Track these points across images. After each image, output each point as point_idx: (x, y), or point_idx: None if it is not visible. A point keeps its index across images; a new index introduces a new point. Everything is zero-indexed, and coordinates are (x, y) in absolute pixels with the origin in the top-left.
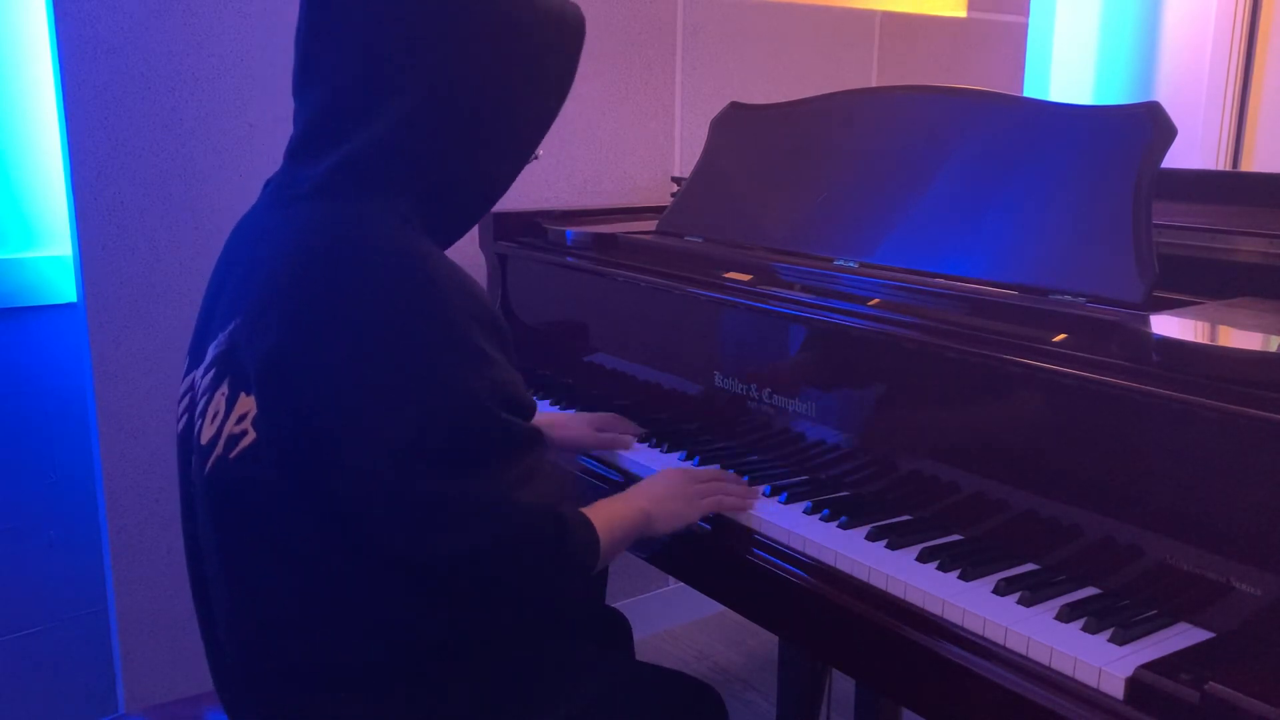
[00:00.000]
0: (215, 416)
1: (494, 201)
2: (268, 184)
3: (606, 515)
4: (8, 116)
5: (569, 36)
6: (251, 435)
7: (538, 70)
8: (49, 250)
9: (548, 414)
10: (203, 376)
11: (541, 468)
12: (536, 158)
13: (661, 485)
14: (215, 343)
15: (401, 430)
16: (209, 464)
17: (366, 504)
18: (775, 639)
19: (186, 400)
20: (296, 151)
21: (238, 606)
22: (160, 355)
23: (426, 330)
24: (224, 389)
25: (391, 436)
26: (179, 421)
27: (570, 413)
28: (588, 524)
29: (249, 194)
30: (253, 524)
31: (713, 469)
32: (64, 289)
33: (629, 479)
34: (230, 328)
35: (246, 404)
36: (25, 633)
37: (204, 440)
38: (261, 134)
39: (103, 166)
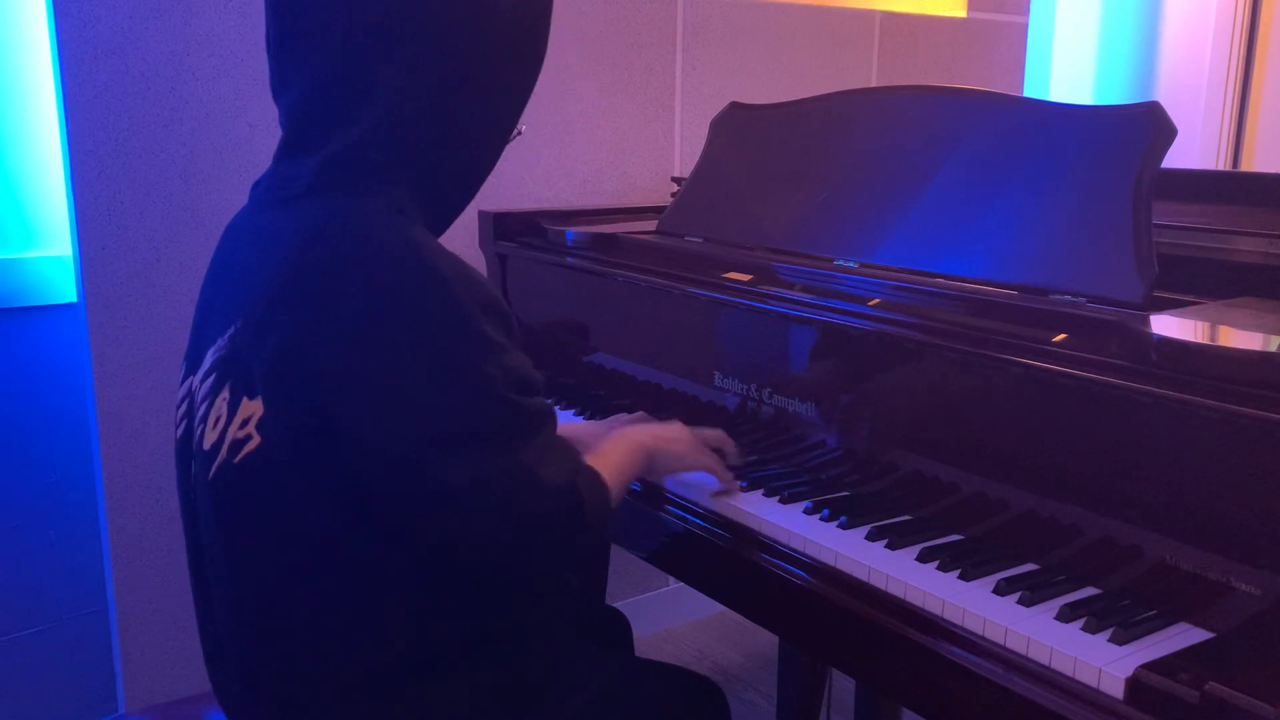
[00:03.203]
0: (218, 422)
1: (481, 181)
2: (255, 185)
3: (612, 462)
4: (8, 116)
5: (539, 7)
6: (256, 440)
7: (512, 47)
8: (49, 250)
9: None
10: (201, 382)
11: (556, 442)
12: (519, 133)
13: (665, 426)
14: (214, 348)
15: (421, 419)
16: (213, 469)
17: (390, 496)
18: (775, 639)
19: (185, 406)
20: (282, 154)
21: (242, 610)
22: (160, 355)
23: (435, 320)
24: (225, 394)
25: (411, 427)
26: (177, 428)
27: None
28: (600, 483)
29: (248, 194)
30: (259, 528)
31: (718, 430)
32: (64, 289)
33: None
34: (230, 332)
35: (250, 408)
36: (25, 633)
37: (206, 446)
38: (261, 134)
39: (103, 166)
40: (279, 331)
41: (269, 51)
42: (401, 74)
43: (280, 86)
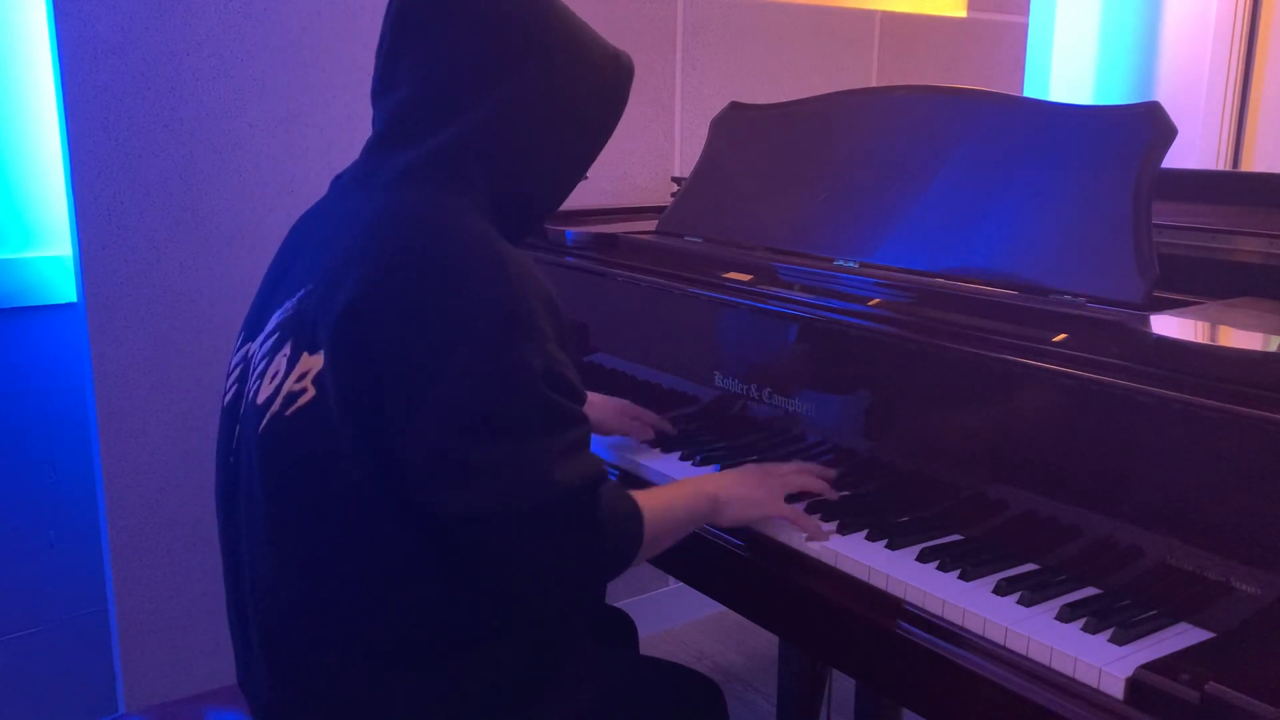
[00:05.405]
0: (275, 376)
1: (550, 211)
2: (338, 179)
3: (663, 499)
4: (8, 116)
5: (624, 78)
6: (311, 393)
7: (598, 100)
8: (49, 250)
9: None
10: (261, 344)
11: (584, 448)
12: (586, 179)
13: (736, 474)
14: (280, 310)
15: (455, 392)
16: (263, 422)
17: (412, 460)
18: (775, 639)
19: (238, 371)
20: (375, 147)
21: (276, 576)
22: (160, 355)
23: (493, 302)
24: (286, 350)
25: (445, 397)
26: (225, 395)
27: (598, 395)
28: (630, 507)
29: (248, 194)
30: (301, 486)
31: (792, 463)
32: (64, 289)
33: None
34: (300, 294)
35: (310, 363)
36: (25, 633)
37: (259, 400)
38: (261, 134)
39: (103, 166)
40: (348, 287)
41: (380, 52)
42: (510, 94)
43: (387, 86)
